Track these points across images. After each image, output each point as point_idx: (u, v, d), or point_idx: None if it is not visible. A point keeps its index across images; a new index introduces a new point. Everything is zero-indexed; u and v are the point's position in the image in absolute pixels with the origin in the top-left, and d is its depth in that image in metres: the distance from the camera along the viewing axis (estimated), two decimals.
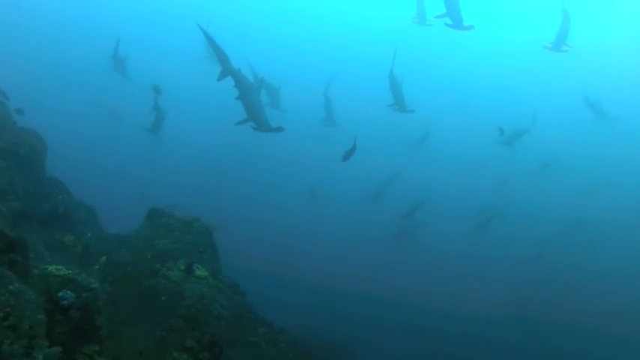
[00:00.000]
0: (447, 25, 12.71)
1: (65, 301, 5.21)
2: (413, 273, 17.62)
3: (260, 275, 14.42)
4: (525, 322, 16.53)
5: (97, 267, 8.15)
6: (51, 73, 22.63)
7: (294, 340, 8.38)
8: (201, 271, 7.16)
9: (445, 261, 18.73)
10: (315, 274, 16.20)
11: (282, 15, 26.79)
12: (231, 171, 21.00)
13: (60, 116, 19.94)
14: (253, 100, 9.92)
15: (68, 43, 23.96)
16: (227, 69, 9.34)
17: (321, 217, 19.50)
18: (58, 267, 5.72)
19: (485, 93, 24.90)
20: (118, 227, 10.32)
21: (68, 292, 5.33)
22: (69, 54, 23.45)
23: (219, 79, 9.38)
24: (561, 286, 18.02)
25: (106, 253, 8.63)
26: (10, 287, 4.15)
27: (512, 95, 22.36)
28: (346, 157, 10.62)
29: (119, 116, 21.54)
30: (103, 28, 19.84)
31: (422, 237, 19.12)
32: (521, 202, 20.49)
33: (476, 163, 21.90)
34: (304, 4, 26.90)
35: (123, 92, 20.00)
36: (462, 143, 22.76)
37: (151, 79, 15.58)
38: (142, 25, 26.06)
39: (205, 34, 8.81)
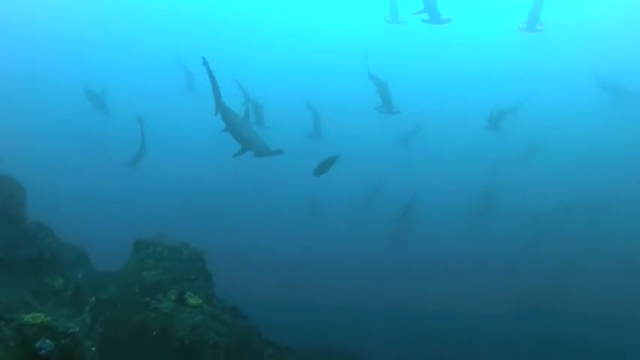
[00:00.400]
0: (424, 21, 12.64)
1: (43, 351, 4.86)
2: (412, 277, 17.17)
3: (261, 299, 14.03)
4: (532, 315, 15.98)
5: (87, 308, 7.83)
6: (30, 122, 22.28)
7: (301, 357, 7.97)
8: (194, 299, 6.78)
9: (445, 260, 18.23)
10: (316, 292, 15.79)
11: (255, 35, 26.56)
12: (221, 200, 20.58)
13: (44, 162, 19.70)
14: (245, 129, 9.95)
15: (47, 92, 23.65)
16: (219, 103, 9.52)
17: (316, 233, 19.05)
18: (36, 315, 5.37)
19: (468, 86, 24.58)
20: (109, 264, 10.02)
21: (46, 340, 4.98)
22: (48, 102, 23.13)
23: (216, 114, 9.56)
24: (564, 273, 17.48)
25: (98, 293, 8.32)
26: None
27: (496, 84, 21.89)
28: (320, 170, 10.19)
29: (108, 153, 21.14)
30: (78, 73, 19.49)
31: (417, 239, 18.65)
32: (514, 189, 20.04)
33: (465, 155, 21.53)
34: (275, 23, 26.65)
35: (106, 130, 19.82)
36: (450, 137, 22.36)
37: (133, 114, 15.45)
38: (119, 66, 25.73)
39: (208, 68, 9.11)
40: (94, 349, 6.71)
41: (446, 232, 19.05)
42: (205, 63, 9.04)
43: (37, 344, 4.90)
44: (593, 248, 18.27)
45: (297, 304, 15.28)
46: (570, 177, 20.50)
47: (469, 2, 20.85)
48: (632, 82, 18.15)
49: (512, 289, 16.68)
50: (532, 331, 15.20)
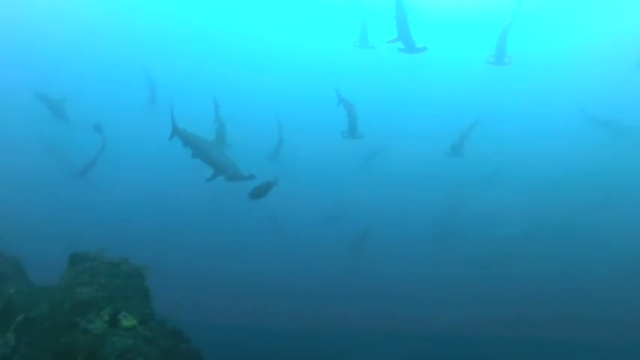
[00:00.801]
0: (400, 50, 12.62)
1: None
2: (369, 301, 16.95)
3: (214, 322, 13.57)
4: (491, 341, 15.79)
5: (12, 327, 7.19)
6: None
7: None
8: (127, 320, 6.24)
9: (400, 285, 18.03)
10: (271, 314, 15.37)
11: (223, 52, 26.21)
12: (176, 217, 19.99)
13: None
14: (215, 153, 9.88)
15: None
16: (176, 130, 9.82)
17: (274, 254, 18.65)
18: None
19: (433, 110, 24.70)
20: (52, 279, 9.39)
21: None
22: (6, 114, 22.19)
23: (170, 139, 9.87)
24: (522, 298, 17.38)
25: (28, 309, 7.68)
26: None
27: (462, 109, 22.09)
28: (255, 194, 9.96)
29: (68, 165, 20.29)
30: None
31: (376, 262, 18.45)
32: (473, 214, 20.03)
33: (426, 179, 21.51)
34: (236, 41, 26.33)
35: (67, 141, 19.19)
36: (412, 160, 22.36)
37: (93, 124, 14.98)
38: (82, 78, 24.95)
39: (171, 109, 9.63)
40: None
41: (405, 256, 18.88)
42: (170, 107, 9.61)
43: None
44: (553, 273, 18.29)
45: (252, 327, 14.82)
46: (531, 202, 20.63)
47: (440, 27, 20.99)
48: (613, 114, 18.46)
49: (471, 315, 16.49)
50: (492, 357, 14.98)
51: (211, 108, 13.59)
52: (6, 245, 10.07)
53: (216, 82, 21.45)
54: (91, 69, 25.03)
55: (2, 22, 24.17)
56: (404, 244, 19.40)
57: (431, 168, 20.15)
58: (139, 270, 7.03)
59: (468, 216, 19.77)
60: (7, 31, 24.17)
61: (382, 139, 19.03)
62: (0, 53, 24.66)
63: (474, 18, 21.20)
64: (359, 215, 19.09)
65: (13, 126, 20.92)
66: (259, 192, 10.00)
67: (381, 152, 20.41)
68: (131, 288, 6.83)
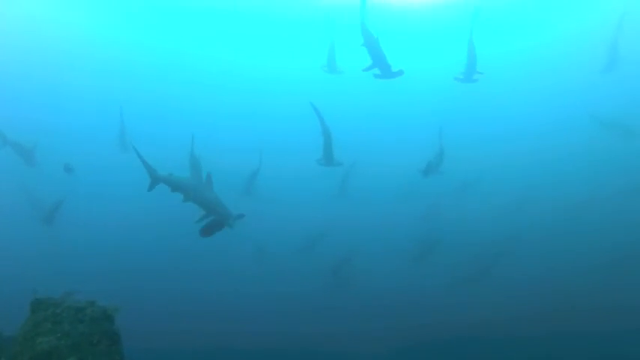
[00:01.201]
0: (376, 76, 12.46)
1: None
2: (351, 318, 16.68)
3: (194, 348, 13.16)
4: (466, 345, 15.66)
5: None
6: None
7: None
8: None
9: (382, 299, 17.84)
10: (252, 338, 14.99)
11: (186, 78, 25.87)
12: (152, 247, 19.49)
13: None
14: (208, 195, 9.73)
15: None
16: (157, 178, 9.65)
17: (253, 278, 18.31)
18: None
19: (405, 123, 24.68)
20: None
21: None
22: None
23: (149, 190, 9.72)
24: (505, 303, 17.27)
25: None
26: None
27: (428, 120, 22.02)
28: (207, 231, 9.58)
29: (37, 205, 19.67)
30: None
31: (356, 281, 18.23)
32: (453, 226, 19.91)
33: (401, 196, 21.33)
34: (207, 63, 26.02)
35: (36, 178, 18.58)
36: (385, 178, 22.22)
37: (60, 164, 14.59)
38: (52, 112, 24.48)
39: (139, 156, 9.42)
40: None
41: (385, 271, 18.73)
42: (138, 155, 9.35)
43: None
44: (543, 271, 18.26)
45: (234, 352, 14.39)
46: (508, 211, 20.65)
47: (406, 36, 20.98)
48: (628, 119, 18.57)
49: (451, 322, 16.31)
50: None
51: (179, 135, 13.27)
52: None
53: (187, 109, 21.19)
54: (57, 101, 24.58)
55: None
56: (391, 257, 19.24)
57: (410, 179, 20.04)
58: (107, 313, 6.51)
59: (452, 222, 19.72)
60: None
61: (356, 154, 18.87)
62: None
63: (442, 25, 21.27)
64: (342, 234, 18.90)
65: None
66: (210, 230, 9.61)
67: (354, 167, 20.18)
68: (98, 333, 6.32)
